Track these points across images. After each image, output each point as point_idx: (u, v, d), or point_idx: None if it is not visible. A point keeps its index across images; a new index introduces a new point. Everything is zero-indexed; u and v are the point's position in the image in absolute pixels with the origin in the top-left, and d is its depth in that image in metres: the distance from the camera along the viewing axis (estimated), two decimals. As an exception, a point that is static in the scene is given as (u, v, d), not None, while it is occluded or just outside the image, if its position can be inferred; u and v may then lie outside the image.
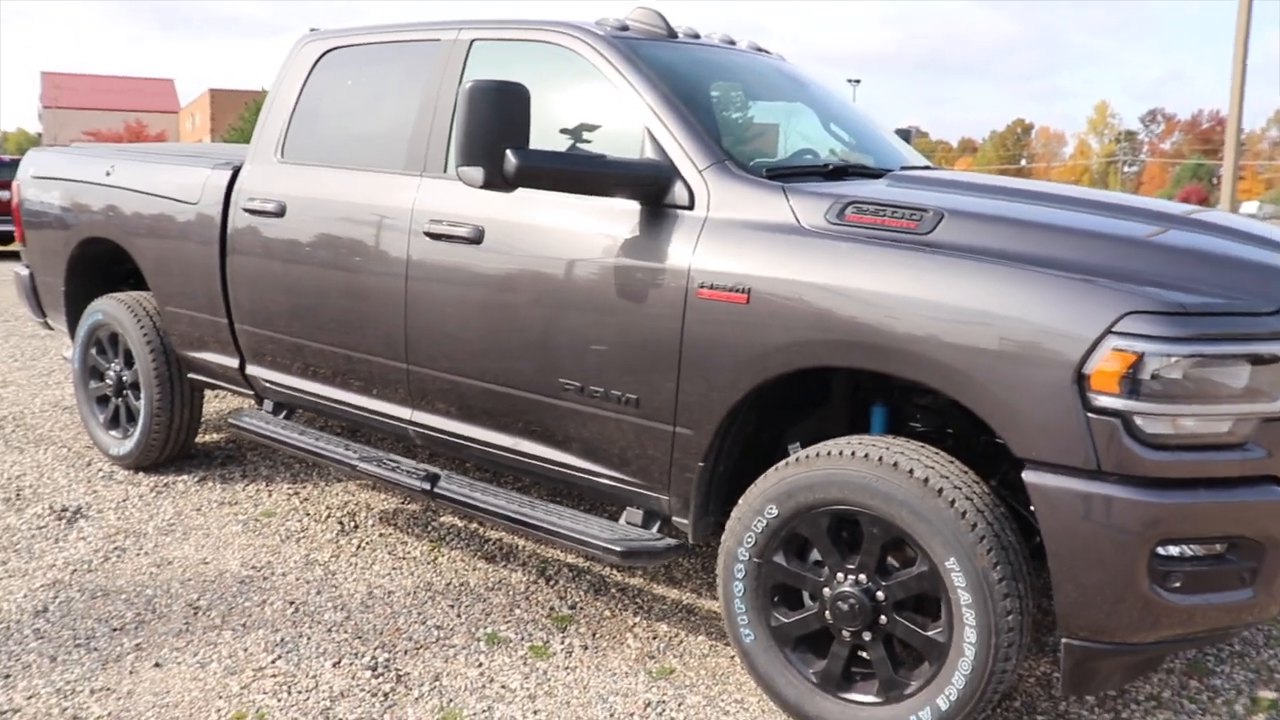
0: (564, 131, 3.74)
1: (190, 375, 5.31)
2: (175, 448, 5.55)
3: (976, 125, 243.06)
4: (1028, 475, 2.79)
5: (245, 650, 3.66)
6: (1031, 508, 2.81)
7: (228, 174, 4.80)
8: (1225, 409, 2.72)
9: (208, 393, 5.78)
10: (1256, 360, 2.71)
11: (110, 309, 5.47)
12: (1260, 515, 2.81)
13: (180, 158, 5.38)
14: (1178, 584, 2.78)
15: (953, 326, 2.83)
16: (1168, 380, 2.64)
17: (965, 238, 2.99)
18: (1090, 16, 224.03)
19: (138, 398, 5.45)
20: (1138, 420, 2.66)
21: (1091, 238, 3.04)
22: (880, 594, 3.06)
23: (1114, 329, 2.64)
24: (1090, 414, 2.67)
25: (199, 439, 5.98)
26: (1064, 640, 2.89)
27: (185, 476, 5.51)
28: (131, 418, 5.54)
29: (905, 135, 5.16)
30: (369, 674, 3.53)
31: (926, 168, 4.40)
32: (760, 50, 4.70)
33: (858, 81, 65.16)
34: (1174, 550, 2.78)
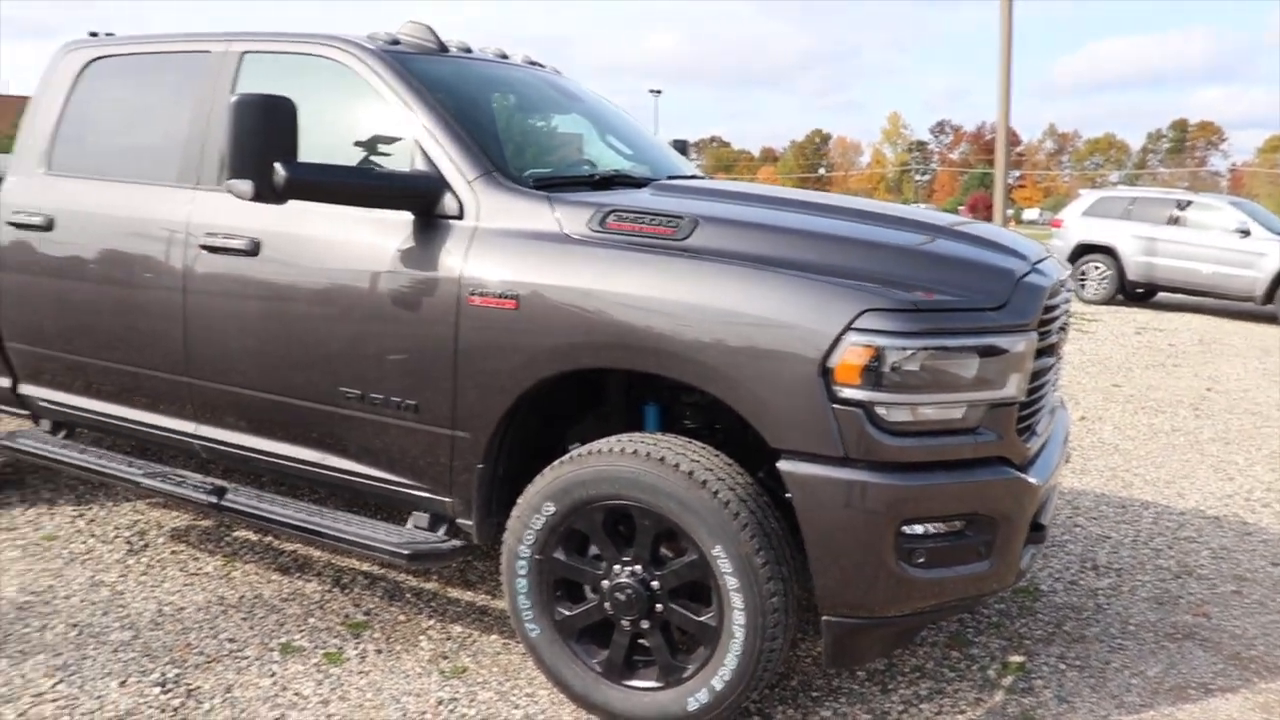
0: (337, 144, 3.77)
1: (-43, 398, 5.08)
2: (-56, 475, 5.30)
3: (777, 135, 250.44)
4: (783, 464, 2.98)
5: (23, 677, 3.56)
6: (788, 494, 3.02)
7: None
8: (958, 397, 2.97)
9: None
10: (985, 352, 2.98)
11: None
12: (993, 493, 3.08)
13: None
14: (922, 560, 3.02)
15: (707, 327, 3.01)
16: (905, 371, 2.88)
17: (719, 242, 3.18)
18: (886, 34, 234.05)
19: (-99, 423, 5.18)
20: (879, 409, 2.89)
21: (838, 242, 3.26)
22: (655, 583, 3.21)
23: (854, 325, 2.86)
24: (835, 405, 2.88)
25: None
26: (824, 618, 3.09)
27: (-43, 505, 5.28)
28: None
29: (681, 146, 5.37)
30: (158, 690, 3.49)
31: (693, 177, 4.60)
32: (534, 64, 4.83)
33: (659, 93, 66.57)
34: (918, 529, 3.02)
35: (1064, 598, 4.50)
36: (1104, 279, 17.31)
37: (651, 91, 71.39)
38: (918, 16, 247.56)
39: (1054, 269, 3.57)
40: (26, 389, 4.71)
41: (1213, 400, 9.24)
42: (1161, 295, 18.00)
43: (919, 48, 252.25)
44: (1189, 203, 16.92)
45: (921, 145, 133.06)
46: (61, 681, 3.54)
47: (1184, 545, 5.23)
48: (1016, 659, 3.93)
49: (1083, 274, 17.50)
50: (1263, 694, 3.72)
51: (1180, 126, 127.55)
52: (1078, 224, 17.85)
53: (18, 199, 4.51)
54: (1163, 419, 8.35)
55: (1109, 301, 17.34)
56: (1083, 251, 17.53)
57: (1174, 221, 16.77)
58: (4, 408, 4.93)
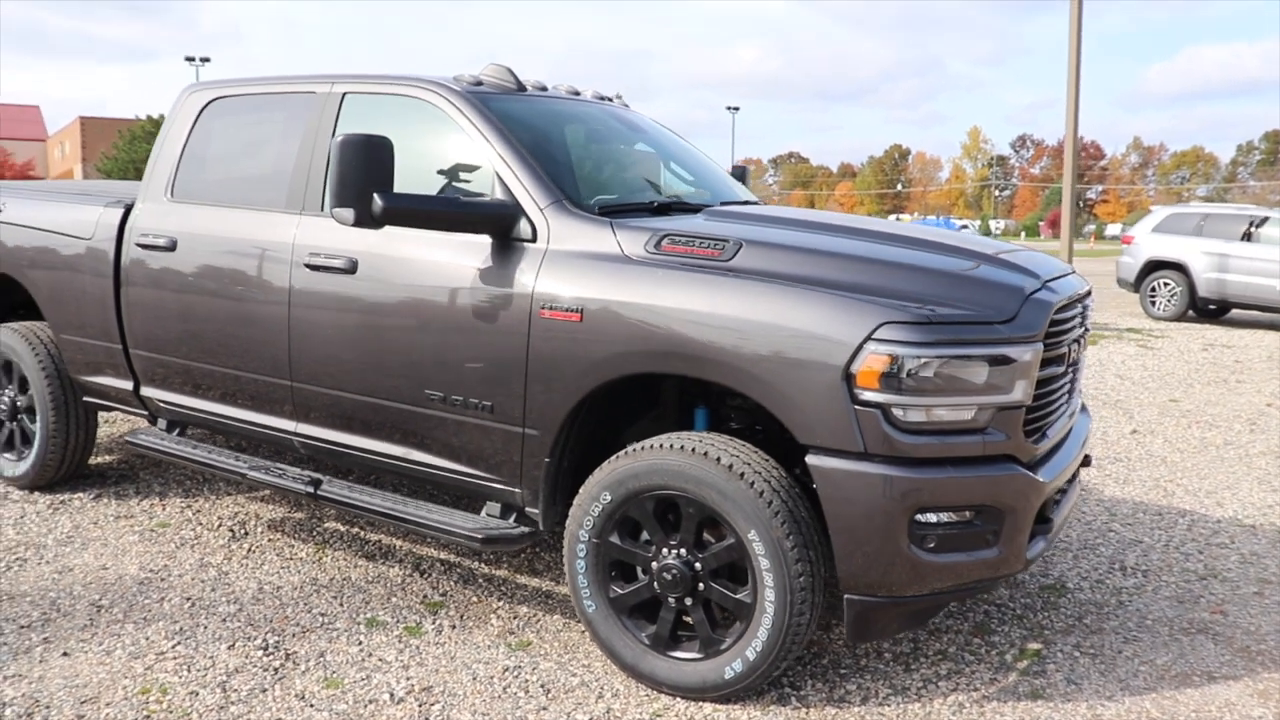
0: (426, 175, 4.26)
1: (85, 399, 5.67)
2: (70, 468, 5.89)
3: (856, 151, 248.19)
4: (810, 459, 3.39)
5: (147, 639, 4.09)
6: (815, 485, 3.42)
7: (120, 211, 5.21)
8: (968, 400, 3.36)
9: (100, 415, 6.11)
10: (993, 360, 3.36)
11: (4, 338, 5.78)
12: (1000, 487, 3.46)
13: (71, 195, 5.74)
14: (933, 545, 3.41)
15: (746, 337, 3.43)
16: (919, 377, 3.27)
17: (759, 263, 3.60)
18: (972, 48, 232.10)
19: (33, 421, 5.78)
20: (895, 410, 3.28)
21: (864, 263, 3.66)
22: (698, 565, 3.64)
23: (873, 336, 3.26)
24: (857, 406, 3.29)
25: (92, 460, 6.31)
26: (845, 596, 3.50)
27: (81, 494, 5.87)
28: (26, 440, 5.85)
29: (739, 173, 5.79)
30: (261, 653, 3.99)
31: (745, 203, 5.02)
32: (603, 99, 5.29)
33: (736, 109, 67.11)
34: (931, 517, 3.41)
35: (1089, 595, 4.81)
36: (1174, 295, 17.33)
37: (728, 109, 72.07)
38: (1003, 29, 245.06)
39: (1067, 286, 3.91)
40: (147, 391, 5.27)
41: (1270, 416, 9.35)
42: (1235, 312, 17.95)
43: (1003, 61, 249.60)
44: (1264, 219, 16.88)
45: (1002, 160, 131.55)
46: (179, 644, 4.06)
47: (1214, 550, 5.49)
48: (1034, 646, 4.25)
49: (1153, 290, 17.56)
50: (1264, 682, 4.00)
51: (1273, 138, 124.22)
52: (1148, 240, 17.90)
53: (145, 223, 5.08)
54: (1216, 433, 8.52)
55: (1179, 318, 17.35)
56: (1153, 268, 17.59)
57: (1247, 238, 16.75)
58: (126, 408, 5.50)
